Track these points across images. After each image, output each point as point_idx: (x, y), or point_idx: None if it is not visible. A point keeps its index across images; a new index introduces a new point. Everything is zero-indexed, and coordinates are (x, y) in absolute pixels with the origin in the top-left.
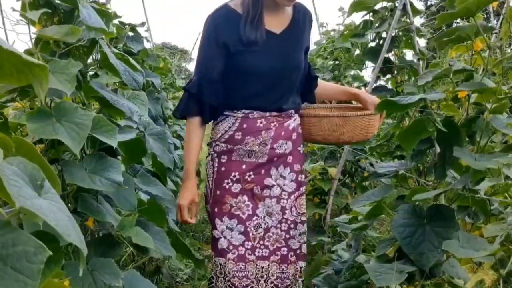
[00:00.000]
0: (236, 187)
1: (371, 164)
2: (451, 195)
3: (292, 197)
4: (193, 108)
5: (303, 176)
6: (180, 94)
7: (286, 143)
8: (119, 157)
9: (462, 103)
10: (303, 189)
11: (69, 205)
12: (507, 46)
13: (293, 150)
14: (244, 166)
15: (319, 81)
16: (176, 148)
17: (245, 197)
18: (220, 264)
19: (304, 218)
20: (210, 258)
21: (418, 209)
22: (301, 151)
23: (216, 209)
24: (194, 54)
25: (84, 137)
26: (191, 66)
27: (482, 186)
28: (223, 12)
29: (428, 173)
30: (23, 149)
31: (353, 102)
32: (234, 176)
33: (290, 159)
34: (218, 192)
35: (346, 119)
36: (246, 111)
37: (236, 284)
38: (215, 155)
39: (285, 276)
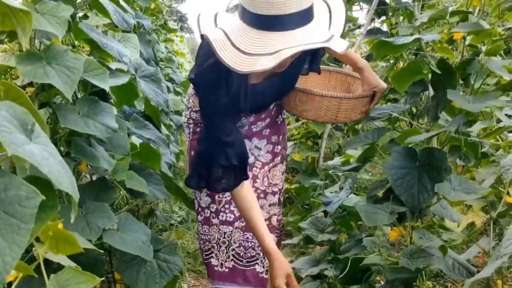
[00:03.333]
0: None
1: None
2: (443, 138)
3: (266, 167)
4: (237, 180)
5: (279, 147)
6: (172, 36)
7: (264, 121)
8: (111, 101)
9: (457, 45)
10: (278, 159)
11: (62, 149)
12: None
13: (270, 123)
14: None
15: None
16: (169, 91)
17: None
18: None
19: (275, 189)
20: None
21: (411, 152)
22: (280, 121)
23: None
24: None
25: (76, 81)
26: (183, 8)
27: (474, 129)
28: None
29: (421, 116)
30: (12, 93)
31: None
32: None
33: (267, 132)
34: (192, 153)
35: (310, 96)
36: None
37: (200, 246)
38: (191, 122)
39: (249, 245)
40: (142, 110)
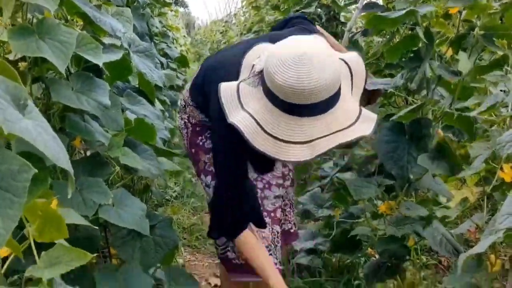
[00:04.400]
0: (209, 143)
1: None
2: (438, 113)
3: None
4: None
5: None
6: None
7: None
8: (104, 76)
9: (453, 21)
10: None
11: (55, 124)
12: None
13: None
14: None
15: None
16: (163, 66)
17: None
18: None
19: (280, 181)
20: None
21: (399, 126)
22: None
23: (195, 168)
24: None
25: (69, 56)
26: None
27: (469, 104)
28: None
29: (417, 92)
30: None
31: None
32: (209, 133)
33: None
34: (193, 150)
35: None
36: None
37: (216, 242)
38: (189, 125)
39: (263, 235)
40: (136, 86)
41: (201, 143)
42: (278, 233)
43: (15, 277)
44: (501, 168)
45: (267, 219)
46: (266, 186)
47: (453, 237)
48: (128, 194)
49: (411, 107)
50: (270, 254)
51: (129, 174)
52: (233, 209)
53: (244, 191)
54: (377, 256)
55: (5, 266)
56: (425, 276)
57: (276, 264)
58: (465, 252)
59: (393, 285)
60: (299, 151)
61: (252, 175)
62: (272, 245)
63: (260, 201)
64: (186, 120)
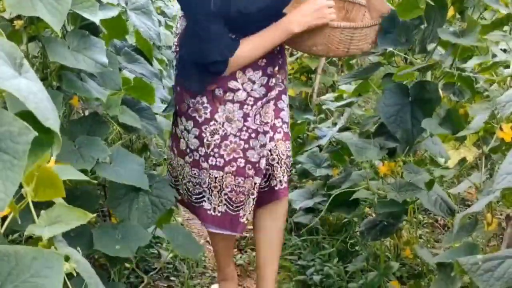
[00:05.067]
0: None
1: None
2: (438, 73)
3: (258, 103)
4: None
5: (273, 80)
6: None
7: None
8: (101, 35)
9: None
10: (272, 94)
11: (53, 83)
12: None
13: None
14: None
15: None
16: (160, 25)
17: (204, 99)
18: (180, 165)
19: (267, 128)
20: None
21: (402, 88)
22: (276, 51)
23: (177, 107)
24: None
25: (64, 14)
26: None
27: (470, 64)
28: None
29: (420, 52)
30: None
31: None
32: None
33: (262, 62)
34: (178, 89)
35: (319, 28)
36: None
37: (190, 189)
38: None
39: (240, 190)
40: (134, 44)
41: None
42: (255, 184)
43: (16, 235)
44: (501, 128)
45: (251, 171)
46: (253, 135)
47: (450, 197)
48: (125, 152)
49: (415, 67)
50: (242, 206)
51: (128, 133)
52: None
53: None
54: (374, 215)
55: (4, 226)
56: (421, 235)
57: (242, 217)
58: (460, 212)
59: (390, 243)
60: None
61: (237, 124)
62: (245, 197)
63: (243, 153)
64: (177, 44)
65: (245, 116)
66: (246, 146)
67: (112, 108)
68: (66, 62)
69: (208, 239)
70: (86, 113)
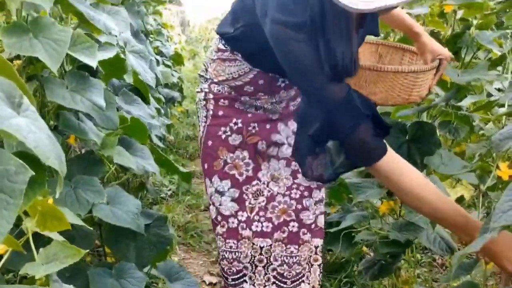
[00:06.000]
0: (235, 138)
1: None
2: (434, 112)
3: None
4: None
5: None
6: (161, 8)
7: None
8: (99, 75)
9: (448, 19)
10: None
11: (50, 122)
12: None
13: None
14: (250, 115)
15: None
16: (158, 64)
17: (245, 153)
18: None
19: (319, 182)
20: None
21: (400, 127)
22: None
23: (206, 165)
24: None
25: (62, 55)
26: None
27: (465, 103)
28: None
29: None
30: None
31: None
32: (236, 123)
33: None
34: (210, 143)
35: (382, 74)
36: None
37: (225, 269)
38: (211, 96)
39: (294, 261)
40: (131, 83)
41: (224, 136)
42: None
43: (10, 275)
44: (497, 167)
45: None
46: (306, 193)
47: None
48: (122, 192)
49: (418, 108)
50: (301, 279)
51: (124, 172)
52: (343, 122)
53: (343, 96)
54: (371, 254)
55: (1, 263)
56: (419, 274)
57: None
58: (459, 250)
59: (388, 283)
60: None
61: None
62: (302, 268)
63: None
64: (207, 90)
65: (294, 173)
66: (299, 206)
67: (107, 148)
68: (64, 102)
69: (204, 279)
70: (83, 151)
